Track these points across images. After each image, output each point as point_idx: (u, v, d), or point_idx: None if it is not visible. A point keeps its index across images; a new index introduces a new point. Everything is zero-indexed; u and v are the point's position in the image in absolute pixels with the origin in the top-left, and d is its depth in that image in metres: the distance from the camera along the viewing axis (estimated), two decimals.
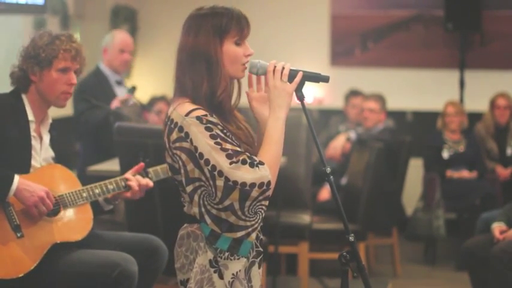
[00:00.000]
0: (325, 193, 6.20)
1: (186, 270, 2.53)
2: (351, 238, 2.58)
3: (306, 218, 5.14)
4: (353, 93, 7.19)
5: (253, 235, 2.46)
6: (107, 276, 3.28)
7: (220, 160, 2.38)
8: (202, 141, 2.40)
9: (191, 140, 2.42)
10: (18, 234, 3.21)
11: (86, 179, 3.51)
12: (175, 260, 2.57)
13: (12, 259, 3.19)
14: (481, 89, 7.39)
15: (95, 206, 3.47)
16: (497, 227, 4.49)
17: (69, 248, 3.34)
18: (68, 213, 3.35)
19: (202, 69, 2.48)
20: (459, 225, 6.55)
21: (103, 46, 5.49)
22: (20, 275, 3.18)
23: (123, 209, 4.41)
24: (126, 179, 3.46)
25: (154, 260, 3.58)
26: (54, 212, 3.31)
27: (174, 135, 2.45)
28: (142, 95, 7.08)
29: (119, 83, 5.53)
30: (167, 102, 6.27)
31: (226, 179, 2.38)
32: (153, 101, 6.74)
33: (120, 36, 5.58)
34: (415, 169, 6.93)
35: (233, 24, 2.51)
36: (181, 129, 2.44)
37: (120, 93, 5.51)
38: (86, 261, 3.32)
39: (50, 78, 3.35)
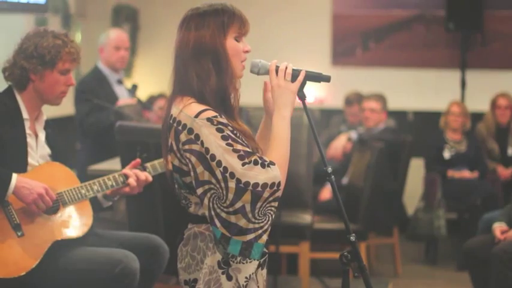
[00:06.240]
0: (326, 193, 6.19)
1: (193, 270, 2.50)
2: (352, 238, 2.58)
3: (307, 218, 5.13)
4: (348, 103, 6.98)
5: (264, 237, 2.45)
6: (108, 273, 3.28)
7: (233, 161, 2.36)
8: (214, 142, 2.38)
9: (202, 142, 2.39)
10: (19, 233, 3.21)
11: (86, 178, 3.50)
12: (178, 259, 2.54)
13: (13, 258, 3.19)
14: (482, 89, 7.39)
15: (94, 202, 3.47)
16: (498, 227, 4.50)
17: (70, 246, 3.34)
18: (68, 211, 3.36)
19: (209, 64, 2.45)
20: (460, 225, 6.55)
21: (99, 46, 5.52)
22: (22, 274, 3.18)
23: (123, 208, 4.41)
24: (125, 175, 3.46)
25: (156, 260, 3.58)
26: (54, 209, 3.32)
27: (183, 138, 2.42)
28: (144, 94, 7.08)
29: (119, 82, 5.53)
30: (167, 98, 6.26)
31: (238, 181, 2.36)
32: (152, 99, 6.74)
33: (115, 33, 5.61)
34: (416, 169, 6.93)
35: (235, 19, 2.49)
36: (190, 131, 2.41)
37: (120, 92, 5.52)
38: (88, 258, 3.32)
39: (52, 79, 3.37)
